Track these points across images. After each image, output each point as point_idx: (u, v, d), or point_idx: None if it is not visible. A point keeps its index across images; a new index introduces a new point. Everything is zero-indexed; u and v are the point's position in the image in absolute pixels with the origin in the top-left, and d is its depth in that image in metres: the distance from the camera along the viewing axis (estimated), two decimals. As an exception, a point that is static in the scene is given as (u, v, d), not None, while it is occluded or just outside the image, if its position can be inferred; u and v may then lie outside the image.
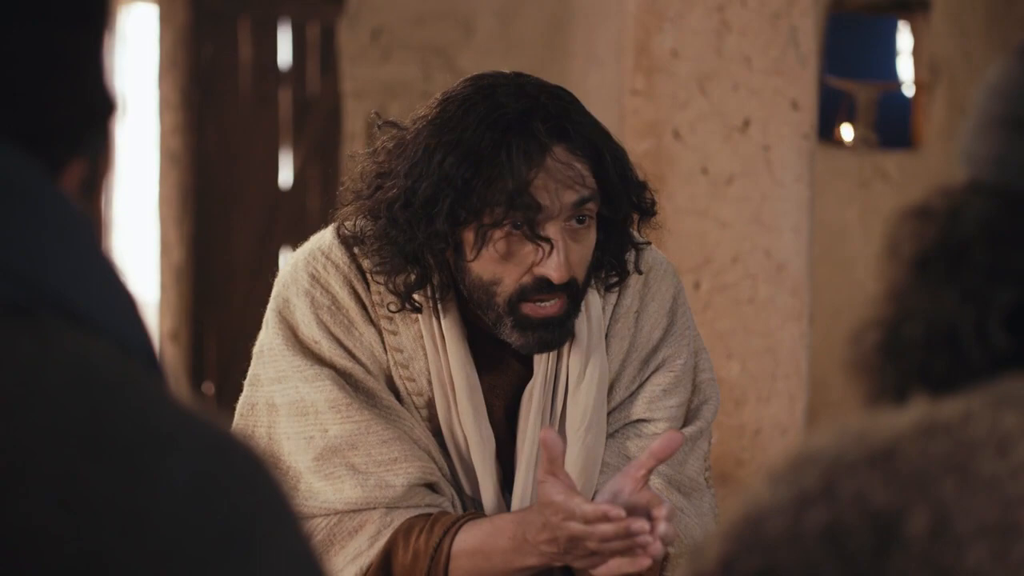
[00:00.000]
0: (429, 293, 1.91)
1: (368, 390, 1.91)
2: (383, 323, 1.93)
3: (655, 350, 2.01)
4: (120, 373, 0.73)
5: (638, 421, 2.00)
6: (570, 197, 1.83)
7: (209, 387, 6.51)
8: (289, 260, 1.99)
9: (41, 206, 0.75)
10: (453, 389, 1.93)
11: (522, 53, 5.62)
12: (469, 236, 1.84)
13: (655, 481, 1.94)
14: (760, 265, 3.37)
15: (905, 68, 6.48)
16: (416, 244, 1.85)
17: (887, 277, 0.87)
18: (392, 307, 1.92)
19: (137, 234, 6.46)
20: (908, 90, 6.41)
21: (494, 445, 1.94)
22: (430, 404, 1.94)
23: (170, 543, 0.68)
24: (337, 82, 6.10)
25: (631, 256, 1.97)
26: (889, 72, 6.56)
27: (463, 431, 1.93)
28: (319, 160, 6.47)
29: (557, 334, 1.88)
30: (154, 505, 0.69)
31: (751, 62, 3.33)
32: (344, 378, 1.91)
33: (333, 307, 1.92)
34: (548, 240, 1.82)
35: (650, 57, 3.31)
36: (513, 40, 5.78)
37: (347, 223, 1.93)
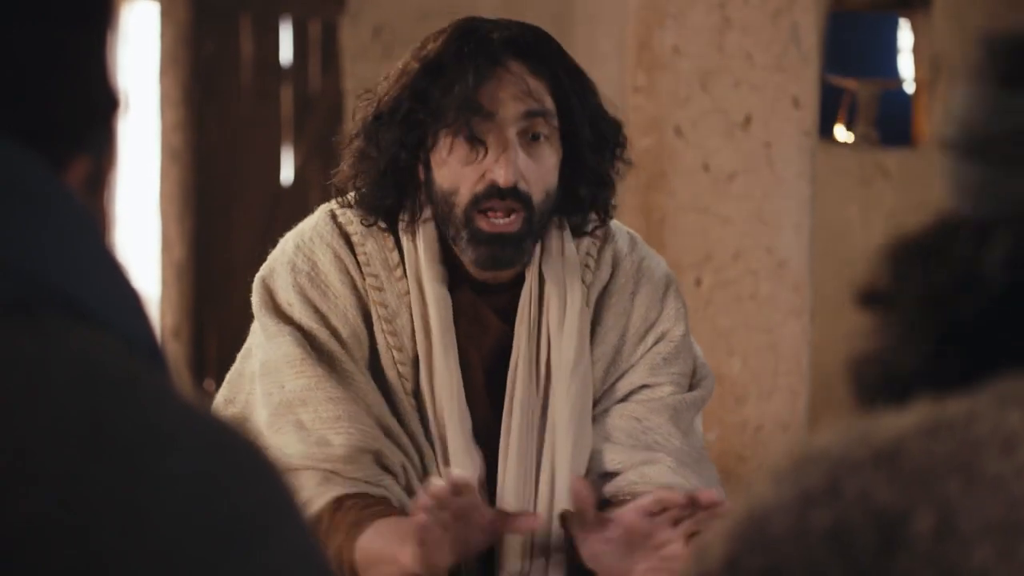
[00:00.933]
0: (408, 219, 1.97)
1: (329, 352, 1.95)
2: (369, 281, 1.98)
3: (652, 327, 2.05)
4: (124, 370, 0.73)
5: (643, 387, 2.03)
6: (518, 107, 1.90)
7: (210, 384, 6.51)
8: (283, 239, 2.07)
9: (45, 203, 0.74)
10: (428, 327, 1.96)
11: (523, 50, 5.62)
12: (434, 148, 1.92)
13: (667, 460, 1.97)
14: (761, 262, 3.37)
15: (906, 65, 6.48)
16: (388, 157, 1.93)
17: (874, 313, 0.88)
18: (366, 222, 1.98)
19: (138, 231, 6.46)
20: (909, 88, 6.41)
21: (462, 386, 1.96)
22: (413, 362, 1.97)
23: (172, 542, 0.68)
24: (339, 79, 6.10)
25: (610, 199, 2.02)
26: (890, 69, 6.56)
27: (433, 371, 1.96)
28: (320, 157, 6.46)
29: (509, 252, 1.93)
30: (156, 504, 0.69)
31: (753, 59, 3.32)
32: (308, 339, 1.95)
33: (312, 272, 1.98)
34: (482, 141, 1.89)
35: (651, 54, 3.31)
36: (514, 37, 5.77)
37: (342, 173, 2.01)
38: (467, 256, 1.94)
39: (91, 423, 0.69)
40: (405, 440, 1.96)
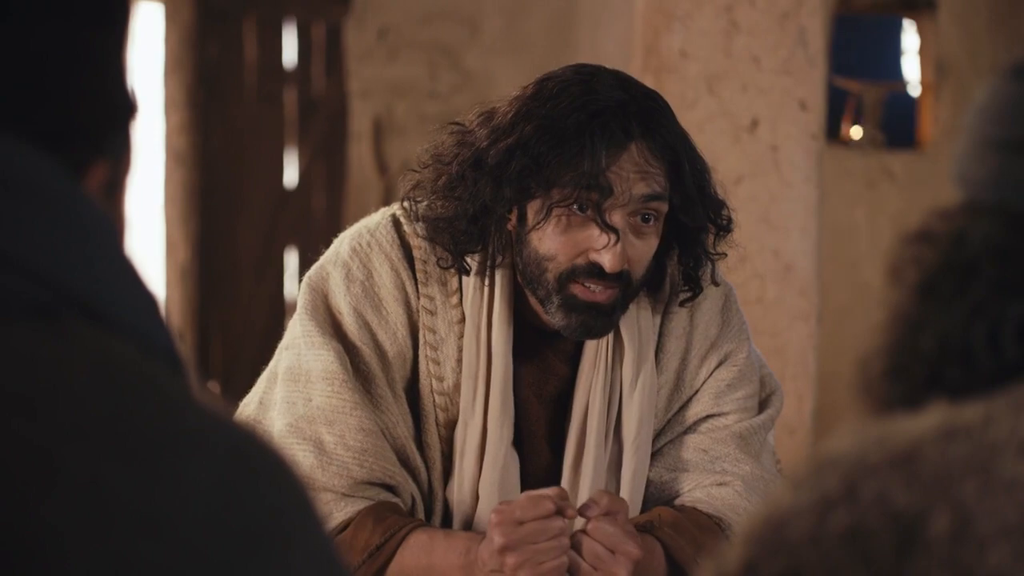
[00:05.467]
0: (481, 260, 1.91)
1: (368, 374, 1.90)
2: (423, 302, 1.93)
3: (713, 346, 2.01)
4: (144, 374, 0.73)
5: (708, 417, 2.00)
6: (640, 190, 1.83)
7: (215, 386, 6.51)
8: (337, 238, 2.00)
9: (65, 208, 0.75)
10: (489, 363, 1.91)
11: (528, 52, 5.63)
12: (534, 207, 1.85)
13: (737, 484, 1.96)
14: (768, 265, 3.36)
15: (911, 68, 6.48)
16: (478, 205, 1.86)
17: (890, 303, 0.88)
18: (442, 263, 1.91)
19: (142, 233, 6.47)
20: (914, 90, 6.41)
21: (511, 436, 1.92)
22: (448, 392, 1.93)
23: (194, 545, 0.68)
24: (343, 82, 6.11)
25: (706, 273, 1.97)
26: (895, 72, 6.56)
27: (484, 411, 1.91)
28: (324, 160, 6.47)
29: (601, 322, 1.87)
30: (178, 506, 0.69)
31: (760, 62, 3.32)
32: (351, 354, 1.90)
33: (367, 282, 1.92)
34: (614, 229, 1.82)
35: (659, 57, 3.31)
36: (519, 39, 5.78)
37: (410, 183, 1.94)
38: (556, 320, 1.87)
39: (114, 426, 0.70)
40: (422, 472, 1.92)
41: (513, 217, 1.88)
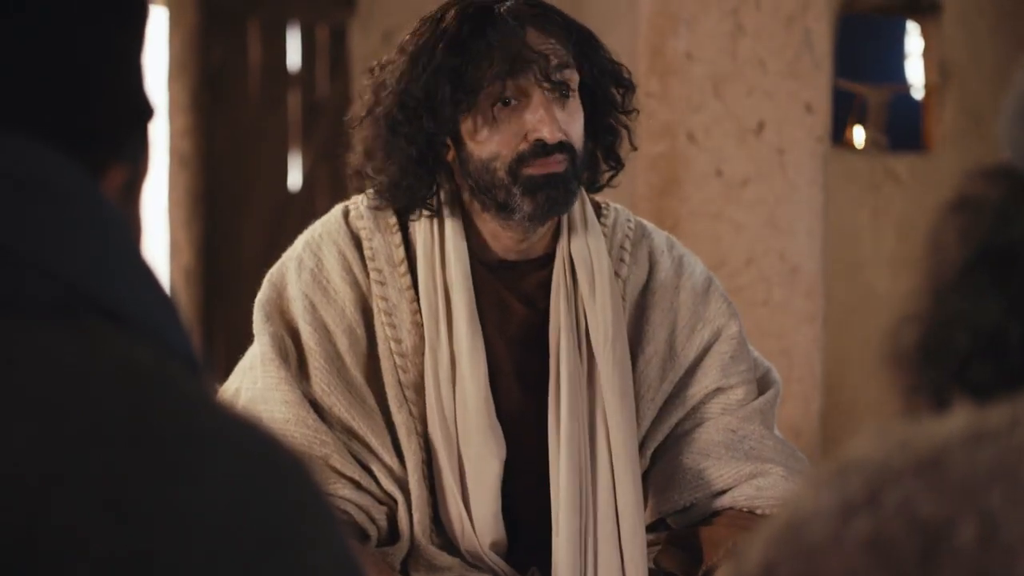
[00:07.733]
0: (443, 199, 2.01)
1: (311, 350, 2.00)
2: (373, 275, 2.03)
3: (702, 318, 2.08)
4: (163, 375, 0.73)
5: (717, 391, 2.07)
6: (552, 62, 1.93)
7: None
8: (298, 237, 2.13)
9: (83, 209, 0.75)
10: (447, 292, 1.99)
11: (532, 55, 5.61)
12: (467, 124, 1.95)
13: (778, 471, 2.02)
14: (774, 268, 3.36)
15: (915, 70, 6.48)
16: (419, 145, 1.95)
17: (928, 272, 0.87)
18: (412, 216, 2.01)
19: (147, 236, 6.47)
20: (918, 92, 6.40)
21: (486, 369, 1.98)
22: (407, 353, 2.01)
23: (215, 545, 0.68)
24: (347, 85, 6.11)
25: (624, 144, 2.07)
26: (899, 74, 6.55)
27: (448, 338, 1.99)
28: (328, 163, 6.47)
29: (563, 192, 1.96)
30: (199, 506, 0.69)
31: (765, 65, 3.32)
32: (292, 335, 2.02)
33: (315, 269, 2.04)
34: (526, 93, 1.93)
35: (664, 60, 3.31)
36: (523, 42, 5.77)
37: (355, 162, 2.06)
38: (523, 210, 1.96)
39: (135, 425, 0.70)
40: (372, 438, 1.98)
41: (451, 145, 1.98)
